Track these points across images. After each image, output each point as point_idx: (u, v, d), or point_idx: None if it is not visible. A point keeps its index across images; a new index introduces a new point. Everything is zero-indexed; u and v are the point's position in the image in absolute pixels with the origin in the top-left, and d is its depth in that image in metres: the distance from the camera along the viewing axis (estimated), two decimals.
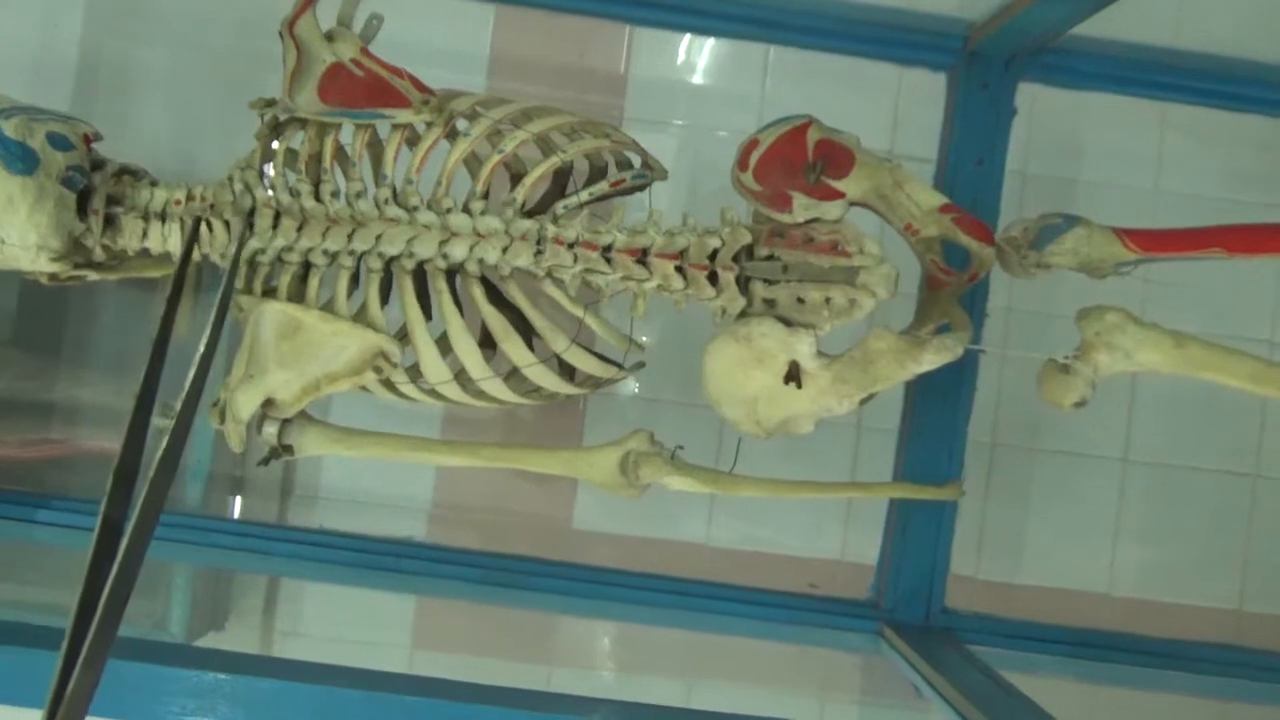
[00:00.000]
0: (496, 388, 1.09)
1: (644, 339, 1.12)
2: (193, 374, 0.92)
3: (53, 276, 1.13)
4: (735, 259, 1.04)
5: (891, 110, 1.47)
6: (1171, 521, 1.51)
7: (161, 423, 1.36)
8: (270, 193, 1.09)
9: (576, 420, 1.49)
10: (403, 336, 1.09)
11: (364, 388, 1.10)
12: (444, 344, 1.08)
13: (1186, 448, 1.51)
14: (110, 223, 1.11)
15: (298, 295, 1.08)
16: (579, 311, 1.07)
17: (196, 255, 1.11)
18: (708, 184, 1.46)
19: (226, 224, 1.09)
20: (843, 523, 1.48)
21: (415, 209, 1.06)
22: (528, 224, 1.06)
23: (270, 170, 1.10)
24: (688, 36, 1.50)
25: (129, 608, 1.41)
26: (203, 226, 1.09)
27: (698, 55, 1.51)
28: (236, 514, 1.48)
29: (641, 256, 1.05)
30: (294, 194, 1.08)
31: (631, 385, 1.48)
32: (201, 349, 0.93)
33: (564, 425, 1.49)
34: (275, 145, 1.10)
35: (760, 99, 1.49)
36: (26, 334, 1.44)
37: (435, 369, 1.08)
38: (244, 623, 1.49)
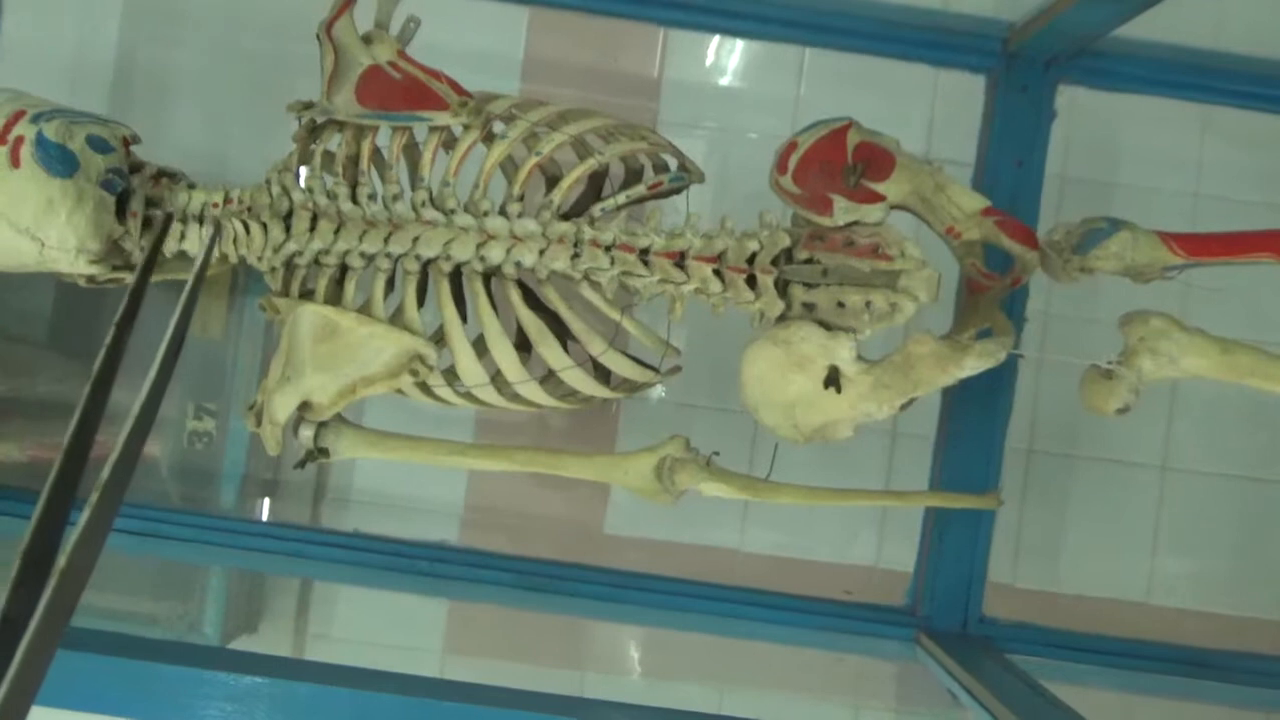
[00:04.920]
0: (533, 391, 1.09)
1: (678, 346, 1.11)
2: (147, 388, 0.79)
3: (90, 279, 1.14)
4: (774, 262, 1.03)
5: (928, 113, 1.46)
6: (1211, 530, 1.49)
7: (195, 425, 1.36)
8: (308, 195, 1.09)
9: (610, 425, 1.49)
10: (439, 339, 1.09)
11: (400, 391, 1.10)
12: (480, 347, 1.08)
13: (1227, 455, 1.49)
14: (148, 225, 1.11)
15: (334, 298, 1.08)
16: (615, 315, 1.06)
17: (234, 257, 1.11)
18: (740, 187, 1.45)
19: (264, 226, 1.09)
20: (878, 529, 1.47)
21: (452, 212, 1.06)
22: (565, 227, 1.05)
23: (307, 172, 1.10)
24: (722, 39, 1.49)
25: (163, 608, 1.42)
26: (239, 228, 1.10)
27: (732, 58, 1.50)
28: (269, 516, 1.48)
29: (679, 259, 1.04)
30: (331, 196, 1.08)
31: (663, 390, 1.48)
32: (155, 368, 0.81)
33: (597, 430, 1.49)
34: (313, 148, 1.10)
35: (795, 102, 1.48)
36: (62, 337, 1.45)
37: (472, 372, 1.08)
38: (276, 626, 1.49)
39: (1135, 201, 1.45)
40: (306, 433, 1.12)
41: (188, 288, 0.90)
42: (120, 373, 0.87)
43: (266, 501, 1.47)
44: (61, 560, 0.64)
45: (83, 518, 0.67)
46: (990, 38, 1.32)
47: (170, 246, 1.11)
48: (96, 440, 0.80)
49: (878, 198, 1.03)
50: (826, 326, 1.01)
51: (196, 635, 1.37)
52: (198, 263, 0.98)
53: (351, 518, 1.48)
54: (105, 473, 0.71)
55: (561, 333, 1.08)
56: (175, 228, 1.10)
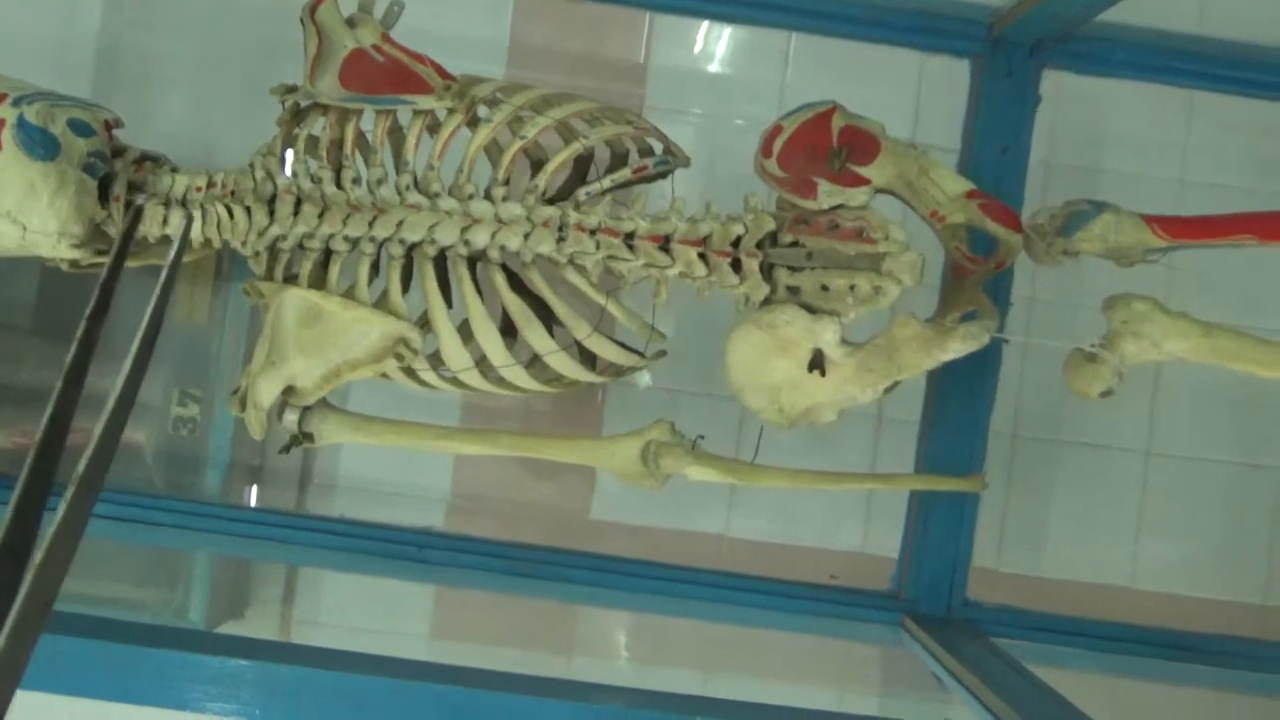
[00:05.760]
0: (518, 375, 1.09)
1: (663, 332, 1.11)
2: (128, 367, 0.77)
3: (74, 263, 1.13)
4: (759, 246, 1.03)
5: (914, 98, 1.46)
6: (1195, 515, 1.50)
7: (180, 411, 1.35)
8: (292, 179, 1.08)
9: (595, 410, 1.49)
10: (424, 324, 1.09)
11: (385, 375, 1.10)
12: (465, 331, 1.08)
13: (1210, 440, 1.49)
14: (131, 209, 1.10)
15: (319, 282, 1.08)
16: (601, 299, 1.06)
17: (218, 241, 1.10)
18: (726, 172, 1.45)
19: (248, 210, 1.09)
20: (863, 514, 1.47)
21: (437, 195, 1.06)
22: (550, 211, 1.05)
23: (291, 156, 1.10)
24: (708, 24, 1.49)
25: (149, 595, 1.41)
26: (223, 212, 1.09)
27: (719, 43, 1.50)
28: (255, 502, 1.48)
29: (664, 243, 1.05)
30: (315, 180, 1.08)
31: (649, 375, 1.48)
32: (137, 342, 0.77)
33: (583, 415, 1.49)
34: (297, 132, 1.10)
35: (780, 87, 1.48)
36: (46, 322, 1.44)
37: (457, 356, 1.08)
38: (263, 612, 1.49)
39: (1120, 187, 1.46)
40: (291, 417, 1.12)
41: (161, 280, 0.89)
42: (101, 357, 0.86)
43: (252, 487, 1.47)
44: (39, 554, 0.64)
45: (60, 508, 0.67)
46: (975, 22, 1.32)
47: (153, 231, 1.10)
48: (77, 427, 0.79)
49: (862, 181, 1.03)
50: (811, 310, 1.01)
51: (182, 621, 1.37)
52: (171, 255, 0.97)
53: (338, 503, 1.48)
54: (81, 466, 0.70)
55: (546, 317, 1.08)
56: (158, 212, 1.10)
